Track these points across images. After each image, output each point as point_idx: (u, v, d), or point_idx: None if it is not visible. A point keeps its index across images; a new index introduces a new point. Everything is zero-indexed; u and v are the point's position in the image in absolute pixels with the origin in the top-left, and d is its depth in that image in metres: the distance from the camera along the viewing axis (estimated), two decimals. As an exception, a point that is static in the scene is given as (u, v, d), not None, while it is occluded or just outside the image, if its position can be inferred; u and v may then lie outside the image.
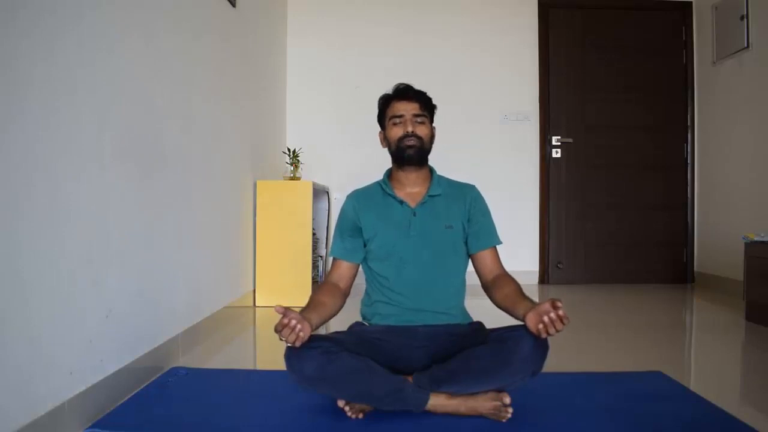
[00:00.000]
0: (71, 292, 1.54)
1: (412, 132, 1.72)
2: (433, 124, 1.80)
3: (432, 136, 1.78)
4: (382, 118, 1.81)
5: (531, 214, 4.51)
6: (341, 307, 1.73)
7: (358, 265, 1.79)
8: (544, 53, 4.50)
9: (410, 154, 1.72)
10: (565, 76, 4.49)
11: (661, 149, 4.53)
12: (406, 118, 1.73)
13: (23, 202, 1.35)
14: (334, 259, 1.80)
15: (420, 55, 4.41)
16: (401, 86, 1.78)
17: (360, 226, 1.76)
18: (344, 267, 1.77)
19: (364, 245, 1.77)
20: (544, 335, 1.43)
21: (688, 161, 4.52)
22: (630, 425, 1.56)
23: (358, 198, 1.81)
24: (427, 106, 1.77)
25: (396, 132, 1.74)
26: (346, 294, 1.77)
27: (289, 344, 1.45)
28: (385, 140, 1.79)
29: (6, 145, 1.29)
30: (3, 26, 1.28)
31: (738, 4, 3.87)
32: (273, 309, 1.46)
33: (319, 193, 4.07)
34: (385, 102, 1.79)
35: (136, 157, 1.93)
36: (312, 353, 1.49)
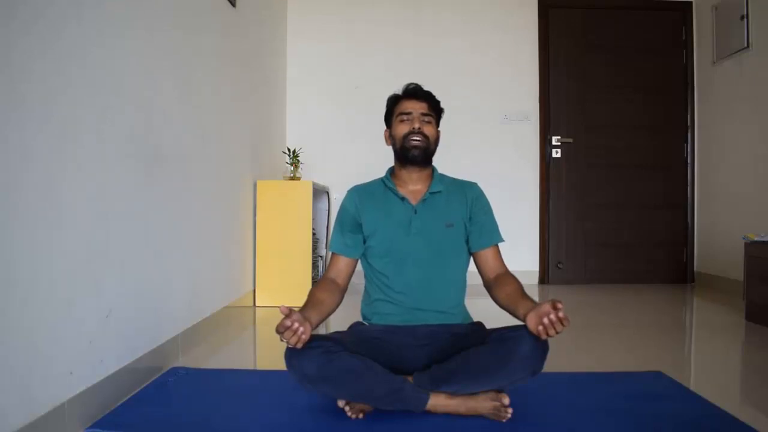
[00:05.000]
0: (71, 292, 1.54)
1: (419, 129, 1.72)
2: (438, 128, 1.80)
3: (437, 139, 1.78)
4: (389, 117, 1.81)
5: (531, 213, 4.51)
6: (339, 303, 1.73)
7: (357, 260, 1.79)
8: (544, 53, 4.50)
9: (415, 155, 1.72)
10: (565, 76, 4.49)
11: (661, 149, 4.53)
12: (414, 116, 1.73)
13: (22, 202, 1.35)
14: (332, 254, 1.79)
15: (420, 55, 4.41)
16: (411, 86, 1.78)
17: (360, 222, 1.76)
18: (343, 262, 1.77)
19: (364, 241, 1.76)
20: (544, 337, 1.42)
21: (688, 161, 4.52)
22: (630, 425, 1.56)
23: (359, 193, 1.81)
24: (435, 108, 1.78)
25: (402, 129, 1.74)
26: (343, 290, 1.76)
27: (290, 346, 1.45)
28: (391, 138, 1.79)
29: (5, 144, 1.28)
30: (2, 24, 1.27)
31: (738, 4, 3.87)
32: (274, 309, 1.46)
33: (319, 193, 4.07)
34: (393, 101, 1.80)
35: (136, 156, 1.93)
36: (312, 353, 1.49)
